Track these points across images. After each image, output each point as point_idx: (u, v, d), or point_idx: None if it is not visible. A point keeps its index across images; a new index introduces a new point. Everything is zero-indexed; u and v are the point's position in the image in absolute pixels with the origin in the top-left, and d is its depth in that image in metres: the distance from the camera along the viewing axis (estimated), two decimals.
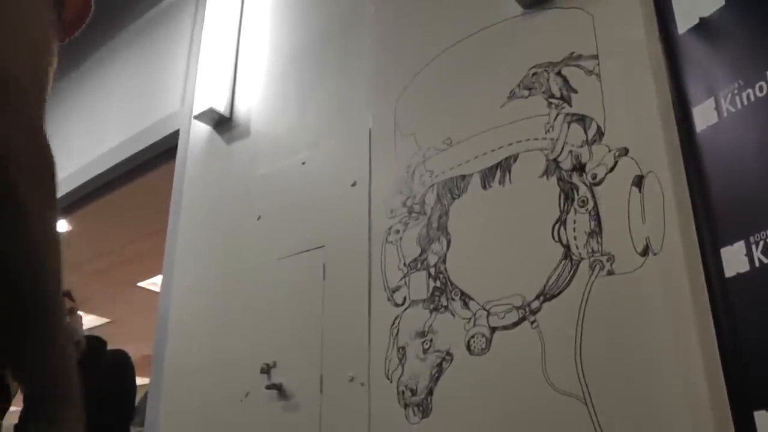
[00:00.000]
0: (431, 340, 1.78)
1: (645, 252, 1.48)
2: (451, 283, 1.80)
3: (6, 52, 0.60)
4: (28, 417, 0.61)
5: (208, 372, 2.33)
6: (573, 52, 1.75)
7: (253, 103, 2.74)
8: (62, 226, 4.30)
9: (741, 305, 1.28)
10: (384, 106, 2.18)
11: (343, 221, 2.14)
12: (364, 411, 1.86)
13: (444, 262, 1.83)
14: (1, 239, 0.58)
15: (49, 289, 0.62)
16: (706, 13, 1.50)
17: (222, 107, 2.78)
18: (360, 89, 2.30)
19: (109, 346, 2.87)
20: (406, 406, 1.78)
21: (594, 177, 1.61)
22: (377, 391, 1.85)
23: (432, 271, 1.85)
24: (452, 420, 1.68)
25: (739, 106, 1.37)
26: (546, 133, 1.74)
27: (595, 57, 1.71)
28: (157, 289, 2.86)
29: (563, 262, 1.60)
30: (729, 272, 1.31)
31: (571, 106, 1.71)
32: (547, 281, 1.61)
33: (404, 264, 1.93)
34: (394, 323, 1.88)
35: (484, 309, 1.70)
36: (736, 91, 1.38)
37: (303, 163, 2.37)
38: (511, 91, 1.85)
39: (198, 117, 2.82)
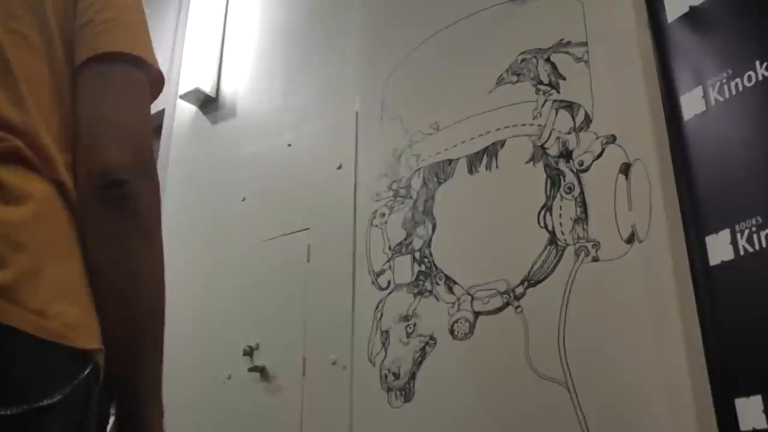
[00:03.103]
0: (415, 324, 1.78)
1: (631, 239, 1.48)
2: (436, 268, 1.79)
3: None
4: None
5: (190, 354, 2.32)
6: (562, 39, 1.75)
7: (239, 84, 2.71)
8: None
9: (725, 293, 1.28)
10: (371, 89, 2.16)
11: (329, 204, 2.13)
12: (347, 394, 1.85)
13: (429, 246, 1.83)
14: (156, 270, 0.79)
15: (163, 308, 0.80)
16: (696, 2, 1.49)
17: (208, 87, 2.75)
18: (348, 71, 2.28)
19: None
20: (388, 390, 1.78)
21: (581, 164, 1.61)
22: (360, 375, 1.85)
23: (417, 255, 1.85)
24: (434, 404, 1.68)
25: (727, 95, 1.37)
26: (534, 119, 1.73)
27: (584, 44, 1.70)
28: None
29: (548, 248, 1.60)
30: (713, 260, 1.31)
31: (559, 92, 1.71)
32: (532, 267, 1.61)
33: (389, 248, 1.92)
34: (377, 307, 1.88)
35: (469, 294, 1.70)
36: (724, 80, 1.38)
37: (289, 145, 2.35)
38: (500, 76, 1.84)
39: (183, 97, 2.79)
